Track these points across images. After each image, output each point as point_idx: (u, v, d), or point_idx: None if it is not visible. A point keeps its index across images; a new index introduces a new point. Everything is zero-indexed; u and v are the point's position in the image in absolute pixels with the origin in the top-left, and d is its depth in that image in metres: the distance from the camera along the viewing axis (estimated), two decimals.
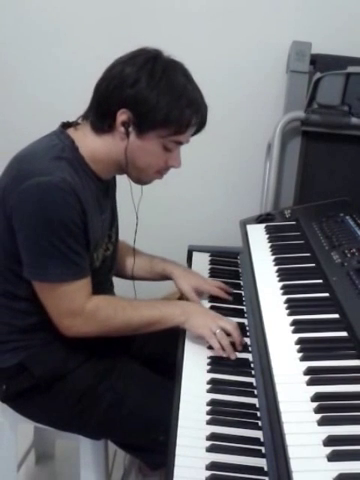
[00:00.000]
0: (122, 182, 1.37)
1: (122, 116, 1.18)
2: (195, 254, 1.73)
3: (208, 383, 1.15)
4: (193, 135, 1.27)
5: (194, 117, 1.21)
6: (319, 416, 0.91)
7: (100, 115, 1.21)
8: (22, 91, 2.16)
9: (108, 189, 1.35)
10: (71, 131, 1.25)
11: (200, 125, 1.25)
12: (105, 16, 2.02)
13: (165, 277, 1.51)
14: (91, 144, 1.23)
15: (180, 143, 1.25)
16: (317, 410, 0.92)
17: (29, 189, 1.13)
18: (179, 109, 1.17)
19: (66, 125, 1.27)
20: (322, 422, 0.90)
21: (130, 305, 1.29)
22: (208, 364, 1.22)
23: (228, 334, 1.26)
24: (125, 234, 1.46)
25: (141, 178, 1.29)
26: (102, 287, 1.37)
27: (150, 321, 1.28)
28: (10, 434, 1.43)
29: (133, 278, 1.52)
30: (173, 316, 1.28)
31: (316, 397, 0.95)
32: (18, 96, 2.16)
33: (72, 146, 1.21)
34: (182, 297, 1.50)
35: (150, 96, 1.16)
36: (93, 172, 1.25)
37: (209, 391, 1.13)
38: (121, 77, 1.17)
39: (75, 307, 1.22)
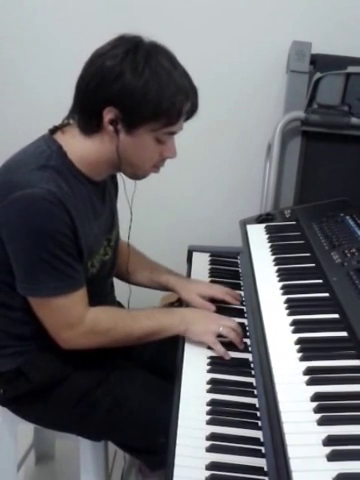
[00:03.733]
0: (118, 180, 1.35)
1: (109, 114, 1.12)
2: (195, 254, 1.73)
3: (208, 383, 1.15)
4: (185, 121, 1.20)
5: (184, 104, 1.14)
6: (319, 416, 0.91)
7: (85, 115, 1.16)
8: (22, 90, 2.16)
9: (104, 192, 1.32)
10: (59, 135, 1.20)
11: (192, 110, 1.19)
12: (105, 14, 2.02)
13: (167, 289, 1.49)
14: (80, 147, 1.18)
15: (173, 133, 1.19)
16: (317, 410, 0.92)
17: (14, 202, 1.09)
18: (168, 99, 1.11)
19: (55, 129, 1.23)
20: (322, 422, 0.90)
21: (130, 316, 1.28)
22: (208, 364, 1.21)
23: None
24: (125, 233, 1.45)
25: (137, 174, 1.25)
26: (102, 292, 1.36)
27: (149, 332, 1.27)
28: (10, 434, 1.43)
29: (131, 283, 1.51)
30: (172, 326, 1.27)
31: (316, 397, 0.95)
32: (18, 95, 2.16)
33: (59, 152, 1.16)
34: (180, 300, 1.50)
35: (136, 90, 1.09)
36: (85, 176, 1.20)
37: (209, 391, 1.13)
38: (103, 72, 1.10)
39: (73, 319, 1.20)
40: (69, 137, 1.19)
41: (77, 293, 1.18)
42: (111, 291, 1.46)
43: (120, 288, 1.52)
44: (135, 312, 1.31)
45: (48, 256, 1.12)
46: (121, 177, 1.29)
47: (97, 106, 1.12)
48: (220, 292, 1.44)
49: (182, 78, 1.15)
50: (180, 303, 1.51)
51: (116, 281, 1.50)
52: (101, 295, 1.35)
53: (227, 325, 1.27)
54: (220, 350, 1.23)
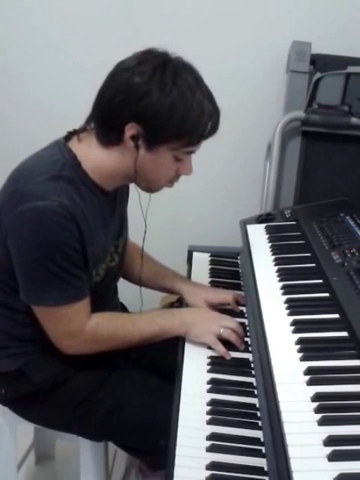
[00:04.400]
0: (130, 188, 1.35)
1: (131, 130, 1.11)
2: (195, 254, 1.73)
3: (208, 383, 1.15)
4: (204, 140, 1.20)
5: (207, 126, 1.14)
6: (319, 416, 0.91)
7: (106, 128, 1.15)
8: (24, 92, 2.16)
9: (115, 199, 1.31)
10: (74, 143, 1.19)
11: (213, 131, 1.18)
12: (107, 16, 2.02)
13: (173, 292, 1.49)
14: (96, 157, 1.17)
15: (192, 152, 1.20)
16: (317, 410, 0.92)
17: (25, 213, 1.09)
18: (192, 121, 1.11)
19: (70, 134, 1.22)
20: (322, 422, 0.90)
21: (129, 321, 1.27)
22: (208, 364, 1.22)
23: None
24: (132, 238, 1.45)
25: (151, 188, 1.25)
26: (105, 297, 1.36)
27: (150, 336, 1.27)
28: (10, 434, 1.43)
29: (140, 285, 1.50)
30: (172, 328, 1.27)
31: (316, 397, 0.95)
32: (20, 97, 2.16)
33: (74, 162, 1.16)
34: (180, 300, 1.49)
35: (162, 109, 1.08)
36: (97, 186, 1.20)
37: (209, 391, 1.13)
38: (129, 88, 1.09)
39: (74, 328, 1.20)
40: (85, 146, 1.18)
41: (80, 303, 1.19)
42: (114, 296, 1.46)
43: (122, 290, 1.52)
44: (135, 317, 1.31)
45: (55, 268, 1.12)
46: (136, 189, 1.29)
47: (119, 121, 1.11)
48: (228, 299, 1.42)
49: (206, 98, 1.14)
50: (180, 303, 1.51)
51: (122, 282, 1.50)
52: (104, 300, 1.35)
53: (228, 326, 1.27)
54: (221, 350, 1.23)
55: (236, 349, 1.26)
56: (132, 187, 1.32)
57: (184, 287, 1.46)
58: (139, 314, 1.33)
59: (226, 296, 1.42)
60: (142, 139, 1.12)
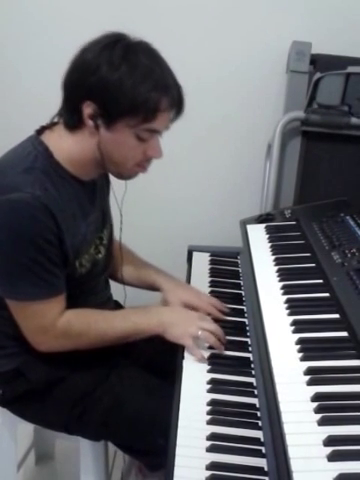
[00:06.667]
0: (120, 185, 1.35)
1: (88, 109, 1.12)
2: (195, 254, 1.73)
3: (208, 383, 1.15)
4: (173, 121, 1.18)
5: (163, 100, 1.12)
6: (319, 416, 0.91)
7: (69, 110, 1.16)
8: (22, 87, 2.15)
9: (95, 191, 1.31)
10: (47, 134, 1.21)
11: (177, 109, 1.16)
12: (105, 14, 2.02)
13: (155, 288, 1.47)
14: (67, 146, 1.18)
15: (155, 131, 1.16)
16: (317, 410, 0.92)
17: None
18: (144, 94, 1.09)
19: (42, 129, 1.23)
20: (322, 422, 0.90)
21: (103, 318, 1.26)
22: (208, 364, 1.21)
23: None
24: (124, 234, 1.44)
25: (122, 173, 1.23)
26: (95, 289, 1.35)
27: (124, 334, 1.25)
28: (10, 434, 1.43)
29: (123, 283, 1.49)
30: (149, 327, 1.26)
31: (316, 397, 0.95)
32: (17, 92, 2.16)
33: (45, 154, 1.17)
34: None
35: (111, 82, 1.08)
36: (72, 176, 1.20)
37: (209, 391, 1.13)
38: (82, 66, 1.11)
39: (46, 324, 1.19)
40: (56, 137, 1.20)
41: (54, 299, 1.18)
42: (105, 288, 1.44)
43: (116, 286, 1.51)
44: (110, 314, 1.30)
45: (28, 261, 1.12)
46: (124, 183, 1.28)
47: (77, 100, 1.12)
48: (206, 305, 1.38)
49: (162, 73, 1.13)
50: None
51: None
52: (94, 293, 1.35)
53: (207, 328, 1.24)
54: (196, 355, 1.21)
55: (233, 349, 1.25)
56: (119, 183, 1.31)
57: (165, 284, 1.44)
58: (114, 312, 1.32)
59: (204, 302, 1.38)
60: (100, 118, 1.12)
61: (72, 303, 1.25)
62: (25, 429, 1.53)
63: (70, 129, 1.18)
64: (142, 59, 1.11)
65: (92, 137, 1.16)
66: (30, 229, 1.10)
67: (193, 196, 2.23)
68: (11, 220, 1.10)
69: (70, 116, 1.16)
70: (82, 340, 1.24)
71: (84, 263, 1.26)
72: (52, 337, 1.21)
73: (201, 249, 1.75)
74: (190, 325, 1.25)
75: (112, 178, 1.33)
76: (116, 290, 1.52)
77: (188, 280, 1.58)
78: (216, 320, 1.33)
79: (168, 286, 1.44)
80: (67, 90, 1.15)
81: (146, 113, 1.11)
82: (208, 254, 1.73)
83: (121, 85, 1.09)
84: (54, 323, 1.20)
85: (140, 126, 1.13)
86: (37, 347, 1.22)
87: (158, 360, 1.40)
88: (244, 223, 1.72)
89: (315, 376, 1.00)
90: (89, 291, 1.30)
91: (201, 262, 1.68)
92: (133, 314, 1.29)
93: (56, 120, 1.23)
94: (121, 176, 1.25)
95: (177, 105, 1.16)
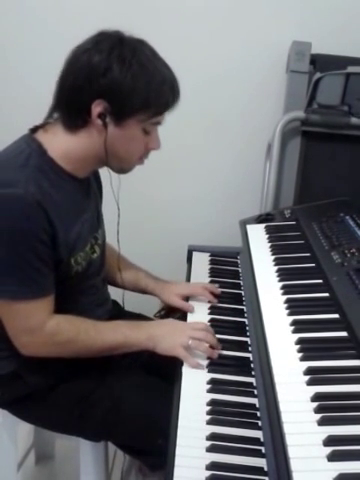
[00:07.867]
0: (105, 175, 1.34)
1: (97, 108, 1.12)
2: (195, 254, 1.73)
3: (208, 383, 1.15)
4: (169, 111, 1.21)
5: (171, 94, 1.17)
6: (319, 416, 0.91)
7: (72, 111, 1.16)
8: (22, 85, 2.15)
9: (89, 188, 1.31)
10: (40, 134, 1.20)
11: (176, 101, 1.20)
12: (105, 14, 2.02)
13: (147, 293, 1.49)
14: (63, 144, 1.18)
15: (158, 123, 1.21)
16: (317, 410, 0.92)
17: None
18: (156, 90, 1.13)
19: (35, 128, 1.23)
20: (322, 422, 0.90)
21: (94, 328, 1.24)
22: (208, 364, 1.21)
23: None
24: (124, 234, 1.44)
25: (124, 167, 1.25)
26: (92, 288, 1.35)
27: (112, 346, 1.24)
28: (10, 434, 1.43)
29: (124, 288, 1.50)
30: (139, 341, 1.25)
31: (316, 397, 0.95)
32: (17, 90, 2.16)
33: (39, 151, 1.16)
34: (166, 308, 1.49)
35: (125, 82, 1.11)
36: (67, 173, 1.20)
37: (209, 391, 1.13)
38: (90, 68, 1.11)
39: (32, 325, 1.17)
40: (51, 135, 1.20)
41: (41, 300, 1.16)
42: (103, 287, 1.44)
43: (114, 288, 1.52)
44: (101, 324, 1.27)
45: (17, 258, 1.11)
46: (118, 176, 1.28)
47: (85, 100, 1.13)
48: (198, 289, 1.44)
49: (165, 68, 1.17)
50: (167, 312, 1.50)
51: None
52: (92, 293, 1.35)
53: (196, 336, 1.23)
54: (192, 363, 1.20)
55: (231, 349, 1.25)
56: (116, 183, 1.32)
57: (156, 287, 1.47)
58: (106, 323, 1.30)
59: (196, 287, 1.45)
60: (109, 116, 1.14)
61: (71, 303, 1.25)
62: (25, 429, 1.54)
63: (71, 129, 1.18)
64: (148, 56, 1.14)
65: (98, 135, 1.17)
66: (22, 225, 1.09)
67: (193, 196, 2.23)
68: (2, 216, 1.09)
69: (74, 116, 1.16)
70: (70, 347, 1.22)
71: (80, 261, 1.25)
72: (39, 340, 1.19)
73: (201, 249, 1.75)
74: (179, 336, 1.24)
75: (103, 180, 1.32)
76: (116, 290, 1.52)
77: (188, 280, 1.59)
78: (215, 324, 1.34)
79: (159, 288, 1.47)
80: (71, 91, 1.15)
81: (158, 107, 1.16)
82: (208, 254, 1.73)
83: (135, 84, 1.11)
84: (41, 326, 1.18)
85: (149, 120, 1.17)
86: (21, 349, 1.20)
87: (156, 360, 1.40)
88: (244, 223, 1.72)
89: (315, 376, 1.00)
90: (87, 291, 1.30)
91: (201, 262, 1.68)
92: (123, 326, 1.27)
93: (47, 121, 1.23)
94: (122, 170, 1.26)
95: (178, 97, 1.20)
